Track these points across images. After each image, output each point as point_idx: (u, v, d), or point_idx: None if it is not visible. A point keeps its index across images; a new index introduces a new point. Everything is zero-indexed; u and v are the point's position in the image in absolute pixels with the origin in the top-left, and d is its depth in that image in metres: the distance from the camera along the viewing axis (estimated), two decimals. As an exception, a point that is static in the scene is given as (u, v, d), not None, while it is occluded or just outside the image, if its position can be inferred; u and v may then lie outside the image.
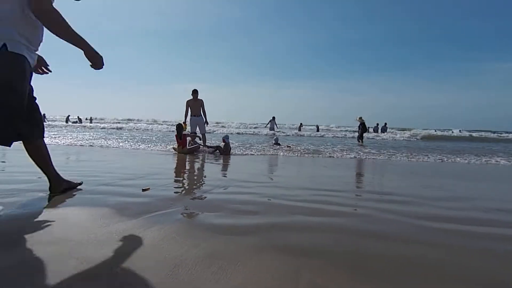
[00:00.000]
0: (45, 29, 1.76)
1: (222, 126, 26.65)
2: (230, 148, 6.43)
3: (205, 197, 2.34)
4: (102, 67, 1.90)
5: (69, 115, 23.90)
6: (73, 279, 1.02)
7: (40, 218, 1.66)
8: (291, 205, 2.16)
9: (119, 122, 27.40)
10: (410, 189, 3.09)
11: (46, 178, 2.13)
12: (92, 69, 1.88)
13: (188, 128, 6.77)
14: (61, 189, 2.18)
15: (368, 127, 25.06)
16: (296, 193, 2.61)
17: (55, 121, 26.19)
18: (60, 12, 1.69)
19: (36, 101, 1.97)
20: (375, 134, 20.76)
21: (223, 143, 6.39)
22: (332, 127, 32.41)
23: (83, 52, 1.82)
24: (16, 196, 2.03)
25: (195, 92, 7.01)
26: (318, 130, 26.92)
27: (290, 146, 8.33)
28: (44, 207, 1.85)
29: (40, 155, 2.04)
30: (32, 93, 1.93)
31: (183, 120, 6.84)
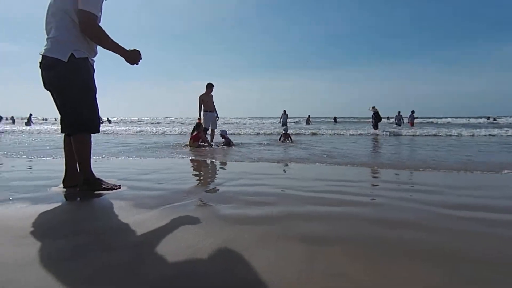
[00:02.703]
0: None
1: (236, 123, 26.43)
2: (231, 142, 6.42)
3: (218, 190, 2.36)
4: (138, 62, 2.20)
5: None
6: (93, 266, 1.06)
7: (62, 210, 1.72)
8: (305, 195, 2.15)
9: (132, 122, 27.77)
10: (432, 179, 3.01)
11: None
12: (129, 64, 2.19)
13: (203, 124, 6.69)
14: (74, 183, 2.22)
15: (389, 117, 24.16)
16: (310, 184, 2.59)
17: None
18: (102, 28, 2.02)
19: None
20: (398, 126, 16.20)
21: (223, 140, 6.40)
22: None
23: (123, 58, 2.15)
24: (36, 192, 2.12)
25: (210, 87, 6.75)
26: (335, 121, 26.30)
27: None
28: (63, 200, 1.92)
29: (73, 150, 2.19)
30: None
31: (198, 116, 6.67)
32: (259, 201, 1.95)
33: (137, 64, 2.19)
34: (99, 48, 2.15)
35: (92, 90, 2.10)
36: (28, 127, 15.39)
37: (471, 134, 10.25)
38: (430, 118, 31.34)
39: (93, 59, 2.15)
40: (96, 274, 1.01)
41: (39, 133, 11.56)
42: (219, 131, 6.95)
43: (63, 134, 2.21)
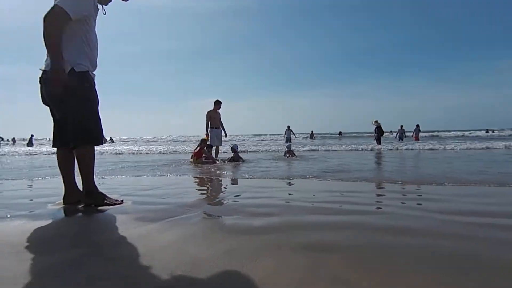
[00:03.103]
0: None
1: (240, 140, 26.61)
2: (240, 157, 6.47)
3: (222, 203, 2.34)
4: (56, 86, 1.91)
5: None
6: (92, 277, 1.04)
7: (61, 224, 1.72)
8: (309, 206, 2.12)
9: (137, 141, 27.93)
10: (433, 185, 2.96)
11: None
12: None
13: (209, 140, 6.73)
14: (75, 199, 2.21)
15: (391, 131, 23.97)
16: (314, 195, 2.56)
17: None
18: (60, 29, 1.87)
19: None
20: (400, 140, 15.87)
21: (233, 153, 6.45)
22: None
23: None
24: (36, 209, 2.12)
25: (218, 103, 6.81)
26: (340, 135, 26.22)
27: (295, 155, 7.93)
28: (64, 216, 1.92)
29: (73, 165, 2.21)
30: None
31: (205, 132, 6.71)
32: (262, 212, 1.92)
33: (53, 87, 1.92)
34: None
35: (95, 101, 2.10)
36: (29, 148, 15.45)
37: (484, 147, 9.75)
38: (432, 131, 31.23)
39: (94, 72, 2.13)
40: (92, 286, 0.99)
41: (37, 154, 11.22)
42: (230, 145, 7.00)
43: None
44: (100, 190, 2.22)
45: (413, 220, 1.74)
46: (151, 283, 0.99)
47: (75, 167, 2.20)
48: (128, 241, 1.41)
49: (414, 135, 17.94)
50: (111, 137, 26.76)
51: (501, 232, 1.50)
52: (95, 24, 2.12)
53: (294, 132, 19.54)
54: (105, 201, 2.14)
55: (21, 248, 1.34)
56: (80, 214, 2.00)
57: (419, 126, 18.03)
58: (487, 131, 29.62)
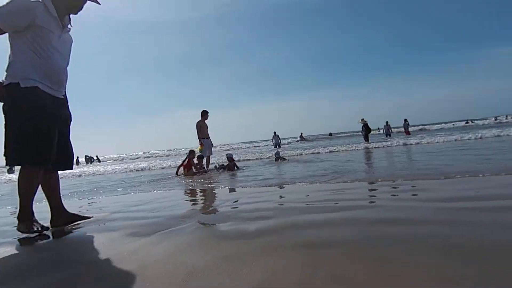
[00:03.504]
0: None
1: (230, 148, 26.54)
2: (235, 164, 6.44)
3: (215, 211, 2.30)
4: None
5: (77, 157, 24.32)
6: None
7: (56, 244, 1.64)
8: (303, 206, 2.11)
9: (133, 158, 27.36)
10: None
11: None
12: None
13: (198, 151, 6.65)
14: (63, 222, 2.13)
15: (378, 129, 24.29)
16: (308, 195, 2.56)
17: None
18: None
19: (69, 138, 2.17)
20: (388, 137, 15.95)
21: (228, 161, 6.43)
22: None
23: None
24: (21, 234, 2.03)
25: (205, 114, 6.78)
26: (331, 135, 26.54)
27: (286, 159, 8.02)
28: (55, 237, 1.84)
29: (53, 187, 2.11)
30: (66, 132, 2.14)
31: (199, 142, 6.65)
32: (257, 216, 1.90)
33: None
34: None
35: (39, 119, 1.86)
36: (11, 175, 13.79)
37: (478, 136, 9.60)
38: (418, 125, 31.97)
39: (55, 88, 1.98)
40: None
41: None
42: (226, 155, 6.96)
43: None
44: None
45: (407, 211, 1.75)
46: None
47: (59, 188, 2.14)
48: (119, 258, 1.36)
49: (405, 130, 17.90)
50: (97, 156, 26.22)
51: (491, 214, 1.53)
52: (59, 35, 1.97)
53: (280, 138, 19.80)
54: (32, 228, 1.90)
55: (12, 272, 1.27)
56: (68, 235, 1.92)
57: (407, 121, 18.09)
58: (466, 122, 30.56)
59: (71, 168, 2.20)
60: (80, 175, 9.53)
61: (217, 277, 1.05)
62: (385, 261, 1.07)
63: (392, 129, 17.91)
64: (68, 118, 2.14)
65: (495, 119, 29.49)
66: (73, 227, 2.06)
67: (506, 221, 1.41)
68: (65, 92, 2.12)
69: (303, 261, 1.12)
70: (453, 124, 29.07)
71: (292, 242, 1.35)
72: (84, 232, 1.93)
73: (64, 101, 2.11)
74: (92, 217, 2.32)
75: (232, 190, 3.55)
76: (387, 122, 17.50)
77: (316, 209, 1.98)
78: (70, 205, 2.46)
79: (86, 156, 25.55)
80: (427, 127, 29.42)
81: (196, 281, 1.04)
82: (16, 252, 1.61)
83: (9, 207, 3.73)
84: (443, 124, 30.86)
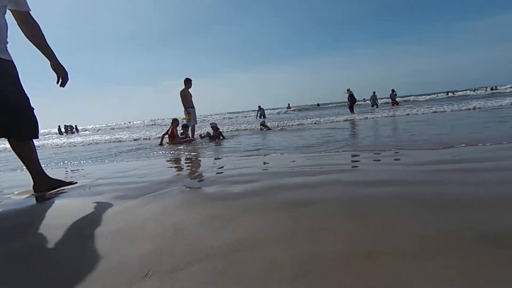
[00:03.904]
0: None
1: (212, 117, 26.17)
2: (221, 133, 6.43)
3: (201, 176, 2.33)
4: (66, 83, 2.03)
5: (59, 126, 24.13)
6: (74, 255, 1.02)
7: (38, 208, 1.63)
8: (287, 171, 2.17)
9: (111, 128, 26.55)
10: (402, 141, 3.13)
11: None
12: (58, 86, 2.02)
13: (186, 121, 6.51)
14: (46, 187, 2.10)
15: (364, 99, 24.28)
16: (291, 162, 2.62)
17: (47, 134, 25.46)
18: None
19: (27, 102, 1.96)
20: (374, 107, 15.87)
21: (213, 131, 6.38)
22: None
23: (50, 63, 2.00)
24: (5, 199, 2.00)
25: (188, 81, 6.48)
26: (318, 105, 26.71)
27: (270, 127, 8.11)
28: (39, 202, 1.82)
29: (24, 154, 2.02)
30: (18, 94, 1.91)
31: (185, 111, 6.46)
32: (242, 180, 1.94)
33: (65, 84, 2.07)
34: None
35: None
36: None
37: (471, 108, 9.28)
38: (403, 96, 32.39)
39: None
40: (72, 262, 0.97)
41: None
42: (210, 124, 6.84)
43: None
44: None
45: (387, 173, 1.84)
46: (133, 252, 0.98)
47: (33, 155, 2.06)
48: (106, 218, 1.37)
49: (392, 100, 17.73)
50: (76, 126, 25.45)
51: (462, 174, 1.64)
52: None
53: (268, 108, 19.75)
54: None
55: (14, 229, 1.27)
56: (51, 199, 1.90)
57: (394, 91, 17.82)
58: (447, 93, 31.29)
59: (25, 137, 2.00)
60: (59, 146, 9.24)
61: (204, 233, 1.10)
62: (364, 215, 1.15)
63: (379, 100, 17.87)
64: None
65: (474, 91, 30.54)
66: (58, 192, 2.04)
67: (472, 181, 1.52)
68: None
69: (287, 217, 1.18)
70: (437, 96, 29.66)
71: (276, 201, 1.41)
72: (69, 196, 1.92)
73: None
74: (76, 183, 2.30)
75: (217, 158, 3.58)
76: (374, 93, 17.31)
77: (300, 173, 2.05)
78: (53, 173, 2.41)
79: (65, 125, 24.89)
80: (411, 98, 29.88)
81: (184, 237, 1.08)
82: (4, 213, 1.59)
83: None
84: (425, 96, 31.38)
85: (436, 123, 5.60)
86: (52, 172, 2.54)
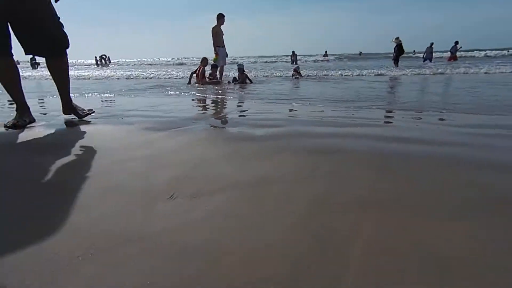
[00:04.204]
0: None
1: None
2: (248, 77, 6.27)
3: (226, 117, 2.36)
4: None
5: (95, 56, 25.45)
6: (107, 173, 1.12)
7: (72, 132, 1.79)
8: (312, 119, 2.13)
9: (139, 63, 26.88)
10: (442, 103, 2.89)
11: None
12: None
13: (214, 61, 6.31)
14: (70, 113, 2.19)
15: (414, 51, 21.17)
16: (320, 109, 2.55)
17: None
18: None
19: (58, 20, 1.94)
20: (427, 61, 13.45)
21: (239, 73, 6.22)
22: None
23: None
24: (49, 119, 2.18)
25: (221, 17, 5.99)
26: (360, 54, 25.16)
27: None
28: (79, 125, 1.98)
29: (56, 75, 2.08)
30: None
31: (214, 50, 6.10)
32: (266, 124, 1.94)
33: None
34: None
35: None
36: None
37: None
38: (471, 50, 26.60)
39: None
40: (103, 181, 1.07)
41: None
42: (237, 65, 6.62)
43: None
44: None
45: (421, 131, 1.74)
46: (160, 178, 1.06)
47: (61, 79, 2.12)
48: (138, 145, 1.47)
49: (451, 54, 15.09)
50: (108, 57, 26.46)
51: (496, 139, 1.51)
52: None
53: (304, 55, 18.56)
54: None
55: (43, 148, 1.42)
56: (92, 125, 2.05)
57: (458, 43, 15.06)
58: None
59: (50, 55, 2.00)
60: (90, 78, 9.60)
61: (226, 166, 1.15)
62: (386, 168, 1.12)
63: (435, 53, 14.92)
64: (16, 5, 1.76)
65: None
66: (94, 118, 2.19)
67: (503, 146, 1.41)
68: None
69: (306, 161, 1.19)
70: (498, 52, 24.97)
71: (298, 147, 1.41)
72: (105, 123, 2.06)
73: None
74: (94, 111, 2.33)
75: (242, 101, 3.56)
76: (431, 44, 14.39)
77: (327, 123, 2.00)
78: (90, 102, 2.55)
79: (100, 56, 26.07)
80: (474, 53, 24.94)
81: (206, 168, 1.14)
82: (46, 132, 1.76)
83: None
84: (485, 51, 26.22)
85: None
86: (91, 99, 2.69)
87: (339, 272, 0.58)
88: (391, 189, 0.94)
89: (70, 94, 2.19)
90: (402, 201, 0.86)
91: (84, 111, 2.24)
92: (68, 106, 2.18)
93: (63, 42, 2.00)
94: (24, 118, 1.95)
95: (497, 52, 23.63)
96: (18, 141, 1.60)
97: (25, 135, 1.71)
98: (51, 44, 1.94)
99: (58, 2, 1.94)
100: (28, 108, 2.04)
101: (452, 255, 0.62)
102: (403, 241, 0.67)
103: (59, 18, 1.96)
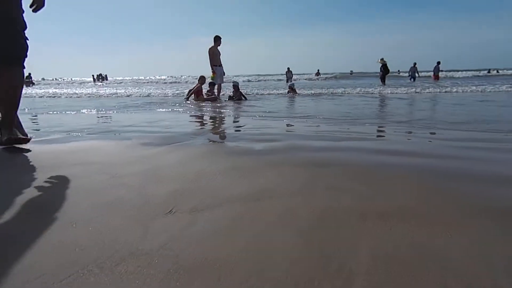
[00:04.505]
0: None
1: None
2: (242, 94, 6.37)
3: (224, 132, 2.38)
4: (39, 10, 1.76)
5: (93, 74, 26.38)
6: (104, 188, 1.11)
7: (70, 147, 1.77)
8: (309, 134, 2.15)
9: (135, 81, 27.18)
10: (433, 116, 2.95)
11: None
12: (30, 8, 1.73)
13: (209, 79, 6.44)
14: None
15: (399, 71, 22.01)
16: (315, 124, 2.58)
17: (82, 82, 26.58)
18: None
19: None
20: (411, 80, 14.26)
21: (234, 90, 6.33)
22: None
23: None
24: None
25: (218, 39, 6.25)
26: (351, 73, 25.52)
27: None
28: (77, 141, 1.97)
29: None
30: None
31: (211, 69, 6.27)
32: (264, 139, 1.96)
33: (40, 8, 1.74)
34: None
35: None
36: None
37: None
38: (447, 71, 28.55)
39: None
40: (102, 194, 1.06)
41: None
42: (232, 83, 6.75)
43: None
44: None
45: (411, 145, 1.77)
46: (158, 193, 1.05)
47: None
48: (135, 160, 1.47)
49: (434, 73, 15.90)
50: (106, 75, 27.07)
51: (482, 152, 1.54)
52: None
53: (297, 74, 18.94)
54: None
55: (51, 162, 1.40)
56: (89, 140, 2.04)
57: (439, 64, 15.94)
58: (488, 71, 27.65)
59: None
60: (89, 97, 9.65)
61: (224, 181, 1.15)
62: (380, 180, 1.13)
63: (420, 73, 15.77)
64: None
65: None
66: (92, 133, 2.18)
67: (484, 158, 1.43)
68: None
69: (305, 175, 1.20)
70: (479, 73, 26.42)
71: (296, 160, 1.42)
72: (101, 138, 2.05)
73: None
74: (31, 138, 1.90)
75: (240, 117, 3.59)
76: (414, 64, 15.26)
77: (322, 137, 2.02)
78: (85, 118, 2.56)
79: (97, 74, 26.92)
80: (453, 74, 26.61)
81: (206, 182, 1.14)
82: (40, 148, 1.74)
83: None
84: (464, 72, 27.65)
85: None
86: (86, 116, 2.69)
87: (345, 286, 0.57)
88: (390, 200, 0.94)
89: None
90: (401, 212, 0.86)
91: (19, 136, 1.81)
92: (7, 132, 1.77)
93: (18, 49, 1.73)
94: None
95: (475, 72, 25.12)
96: (11, 158, 1.58)
97: (19, 152, 1.69)
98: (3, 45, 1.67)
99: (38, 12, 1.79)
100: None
101: (454, 266, 0.62)
102: (407, 252, 0.67)
103: (24, 29, 1.76)
